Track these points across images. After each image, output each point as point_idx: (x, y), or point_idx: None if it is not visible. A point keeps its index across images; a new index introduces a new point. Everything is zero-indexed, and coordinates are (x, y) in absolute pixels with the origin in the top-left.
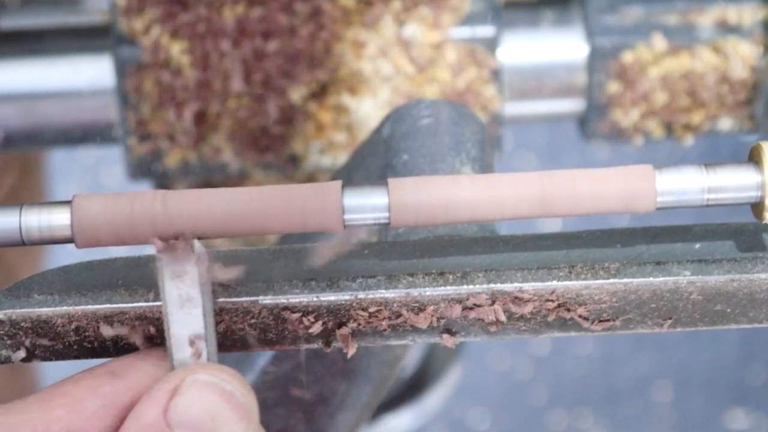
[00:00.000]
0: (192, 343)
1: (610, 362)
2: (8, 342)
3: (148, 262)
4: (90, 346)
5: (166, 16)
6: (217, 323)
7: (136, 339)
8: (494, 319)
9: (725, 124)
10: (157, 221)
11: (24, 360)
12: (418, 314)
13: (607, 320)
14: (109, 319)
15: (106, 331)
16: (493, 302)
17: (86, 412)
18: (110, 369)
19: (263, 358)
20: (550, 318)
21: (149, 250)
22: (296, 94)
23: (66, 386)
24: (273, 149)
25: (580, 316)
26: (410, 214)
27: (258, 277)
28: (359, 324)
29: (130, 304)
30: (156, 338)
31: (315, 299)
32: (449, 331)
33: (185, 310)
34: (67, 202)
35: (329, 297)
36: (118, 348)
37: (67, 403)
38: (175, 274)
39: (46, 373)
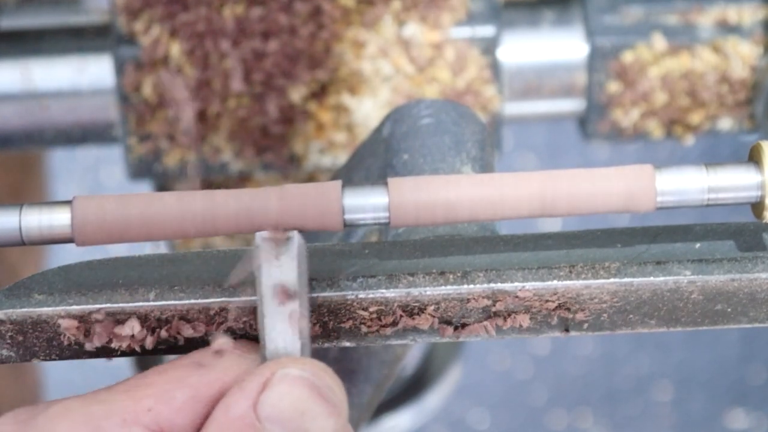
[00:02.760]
0: (285, 335)
1: (610, 362)
2: (8, 342)
3: (148, 261)
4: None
5: (166, 16)
6: (219, 323)
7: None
8: (486, 333)
9: (725, 123)
10: (154, 221)
11: (23, 359)
12: (419, 315)
13: (608, 320)
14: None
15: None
16: (494, 302)
17: (174, 402)
18: (196, 360)
19: None
20: (551, 318)
21: (150, 249)
22: (296, 94)
23: (152, 377)
24: (273, 149)
25: (580, 316)
26: (410, 213)
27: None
28: (359, 323)
29: (130, 304)
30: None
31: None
32: (448, 322)
33: (280, 302)
34: (67, 202)
35: (329, 297)
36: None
37: (154, 394)
38: (273, 265)
39: (48, 373)
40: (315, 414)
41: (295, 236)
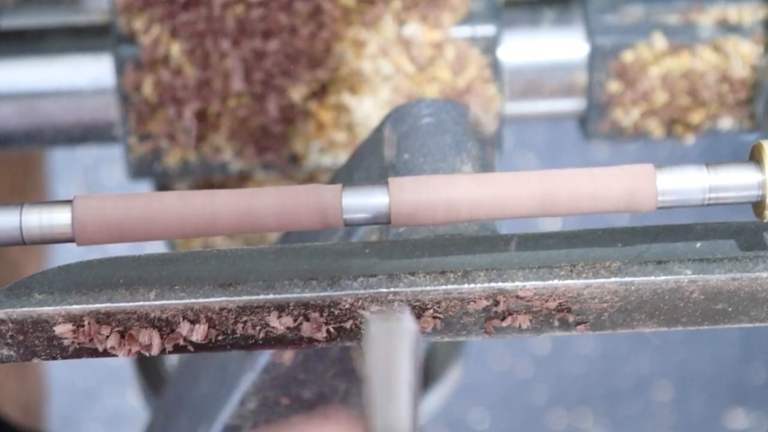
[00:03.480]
0: (396, 413)
1: (610, 362)
2: (9, 341)
3: (148, 261)
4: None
5: (166, 16)
6: (219, 322)
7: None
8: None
9: (726, 123)
10: (154, 221)
11: (24, 359)
12: (419, 316)
13: (608, 319)
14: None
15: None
16: (495, 302)
17: None
18: None
19: (264, 356)
20: (551, 317)
21: (149, 249)
22: (296, 93)
23: None
24: (273, 149)
25: (580, 315)
26: (411, 213)
27: (259, 276)
28: (360, 323)
29: (130, 303)
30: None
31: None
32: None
33: (391, 385)
34: (68, 202)
35: (330, 296)
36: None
37: None
38: (384, 348)
39: (51, 373)
40: None
41: (407, 318)
